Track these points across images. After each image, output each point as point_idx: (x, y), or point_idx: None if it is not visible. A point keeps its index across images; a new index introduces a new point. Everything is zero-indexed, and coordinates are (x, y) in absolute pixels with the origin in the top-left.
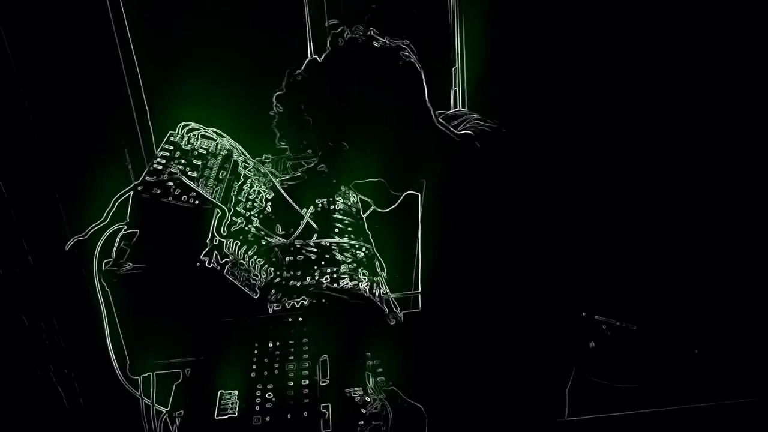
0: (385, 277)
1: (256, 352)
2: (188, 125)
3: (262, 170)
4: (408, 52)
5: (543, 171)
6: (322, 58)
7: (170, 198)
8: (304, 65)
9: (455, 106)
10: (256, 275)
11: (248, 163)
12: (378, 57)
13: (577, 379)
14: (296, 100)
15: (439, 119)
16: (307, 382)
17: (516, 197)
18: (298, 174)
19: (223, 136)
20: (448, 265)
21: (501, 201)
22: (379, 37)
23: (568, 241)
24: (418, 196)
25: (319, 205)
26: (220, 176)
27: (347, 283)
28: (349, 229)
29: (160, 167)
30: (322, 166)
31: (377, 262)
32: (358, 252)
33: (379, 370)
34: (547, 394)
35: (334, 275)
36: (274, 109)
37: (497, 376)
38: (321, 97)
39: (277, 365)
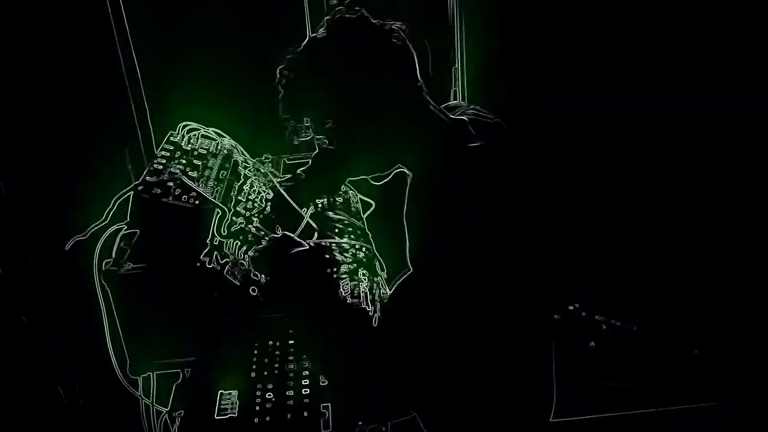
0: (385, 277)
1: (256, 352)
2: (188, 125)
3: (262, 170)
4: (399, 32)
5: (540, 168)
6: (319, 35)
7: (170, 198)
8: (303, 44)
9: None
10: (256, 275)
11: (248, 163)
12: (371, 34)
13: (577, 379)
14: (297, 74)
15: (433, 103)
16: (307, 382)
17: (508, 190)
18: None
19: (223, 136)
20: (433, 255)
21: (491, 191)
22: (371, 19)
23: (557, 238)
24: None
25: (319, 205)
26: (220, 176)
27: (347, 285)
28: (349, 229)
29: (161, 167)
30: (324, 142)
31: (377, 262)
32: (358, 252)
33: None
34: (534, 392)
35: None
36: (279, 81)
37: (486, 375)
38: (317, 73)
39: (277, 365)
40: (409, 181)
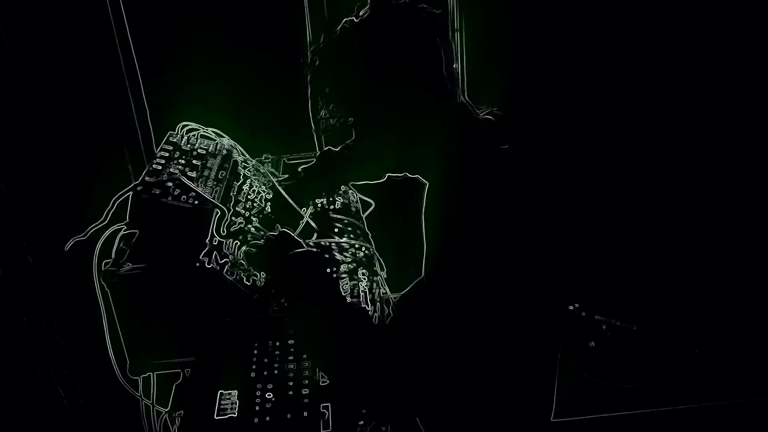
0: (385, 276)
1: (256, 352)
2: (188, 125)
3: (261, 170)
4: (441, 21)
5: (544, 168)
6: (359, 19)
7: (169, 198)
8: (339, 26)
9: None
10: (255, 275)
11: (248, 163)
12: (416, 19)
13: (577, 379)
14: (330, 60)
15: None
16: (307, 382)
17: (521, 189)
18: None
19: (223, 136)
20: (452, 256)
21: (510, 188)
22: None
23: (564, 238)
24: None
25: (319, 205)
26: (219, 176)
27: (347, 284)
28: (349, 228)
29: (160, 167)
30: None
31: (377, 262)
32: (358, 252)
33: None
34: (536, 393)
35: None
36: (310, 64)
37: (488, 375)
38: (351, 58)
39: (277, 365)
40: (427, 186)
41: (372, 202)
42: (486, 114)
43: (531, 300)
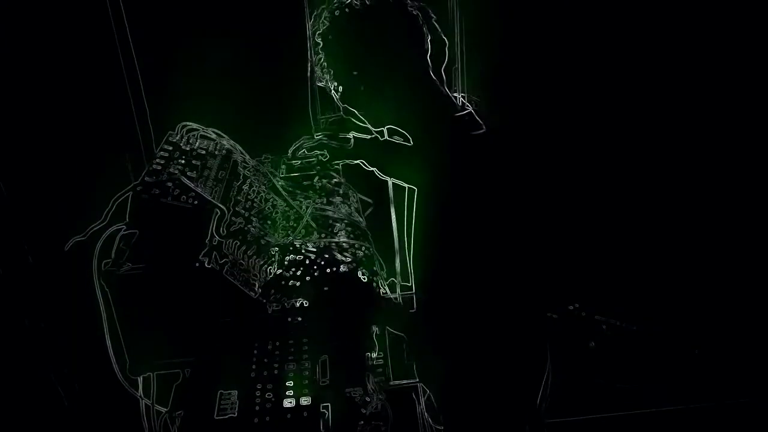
0: (385, 276)
1: (256, 352)
2: (188, 125)
3: (261, 170)
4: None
5: (542, 168)
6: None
7: (169, 198)
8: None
9: None
10: (255, 275)
11: (247, 163)
12: (415, 13)
13: (577, 379)
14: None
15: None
16: (307, 382)
17: (512, 189)
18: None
19: (223, 137)
20: (441, 256)
21: (498, 189)
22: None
23: (558, 237)
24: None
25: (319, 204)
26: (219, 176)
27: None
28: (349, 228)
29: (159, 168)
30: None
31: (377, 262)
32: (357, 251)
33: (379, 369)
34: (531, 393)
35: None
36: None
37: (486, 375)
38: (352, 41)
39: (277, 365)
40: (407, 193)
41: (372, 202)
42: (467, 102)
43: (523, 300)
